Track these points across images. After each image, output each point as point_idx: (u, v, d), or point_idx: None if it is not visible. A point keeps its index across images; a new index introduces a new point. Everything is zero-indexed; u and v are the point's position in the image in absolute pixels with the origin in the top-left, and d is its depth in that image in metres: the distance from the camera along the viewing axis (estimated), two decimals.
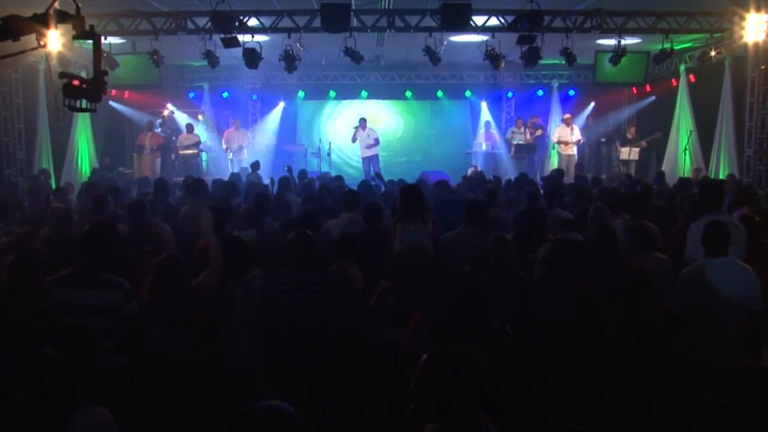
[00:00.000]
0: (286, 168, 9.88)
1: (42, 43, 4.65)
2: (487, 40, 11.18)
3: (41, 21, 4.53)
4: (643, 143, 14.79)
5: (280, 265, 4.52)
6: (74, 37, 5.09)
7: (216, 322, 4.14)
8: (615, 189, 7.68)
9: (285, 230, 5.70)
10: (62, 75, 4.74)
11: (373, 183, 10.11)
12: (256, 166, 12.32)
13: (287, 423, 2.00)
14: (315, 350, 3.99)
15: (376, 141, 15.20)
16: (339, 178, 10.64)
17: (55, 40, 10.55)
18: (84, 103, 4.78)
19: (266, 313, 4.22)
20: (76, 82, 4.73)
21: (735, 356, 3.92)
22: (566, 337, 3.99)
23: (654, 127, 15.34)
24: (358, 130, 15.17)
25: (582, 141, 15.17)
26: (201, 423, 3.55)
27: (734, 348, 3.98)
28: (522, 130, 15.63)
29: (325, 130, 17.93)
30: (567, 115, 15.43)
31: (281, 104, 17.45)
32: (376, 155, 15.24)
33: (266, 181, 10.97)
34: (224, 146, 15.57)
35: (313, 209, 6.45)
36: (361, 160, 15.61)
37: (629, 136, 15.16)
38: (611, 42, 11.82)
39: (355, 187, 8.52)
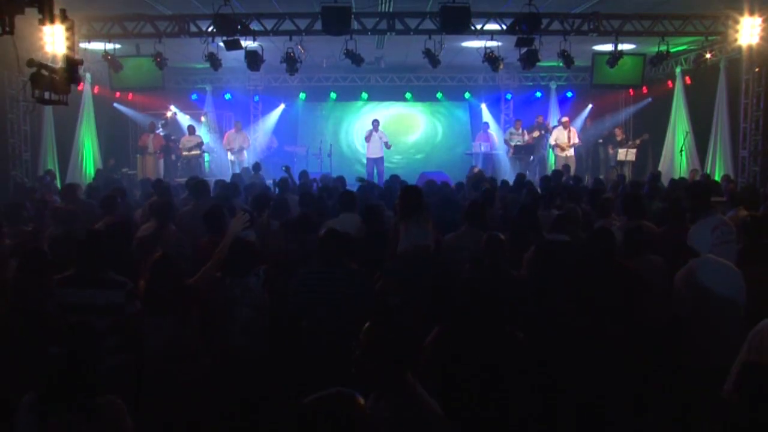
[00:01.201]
0: (284, 168, 10.01)
1: (8, 28, 4.34)
2: (486, 44, 11.35)
3: (4, 3, 4.26)
4: (637, 141, 14.97)
5: (289, 265, 4.64)
6: (41, 21, 4.68)
7: (212, 320, 4.24)
8: (598, 191, 7.78)
9: (284, 231, 5.85)
10: (30, 63, 4.43)
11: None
12: (257, 167, 12.46)
13: (354, 408, 2.07)
14: (341, 346, 4.10)
15: (386, 144, 15.36)
16: (340, 179, 10.75)
17: (60, 42, 10.73)
18: (54, 95, 4.50)
19: (292, 309, 4.31)
20: (44, 72, 4.44)
21: (732, 352, 4.03)
22: (558, 335, 4.11)
23: (651, 128, 15.49)
24: (372, 132, 15.34)
25: (578, 144, 15.29)
26: (197, 416, 3.67)
27: (732, 345, 4.03)
28: (520, 131, 15.74)
29: (350, 131, 18.22)
30: (565, 118, 15.53)
31: (281, 106, 17.61)
32: (382, 157, 15.38)
33: (269, 182, 11.12)
34: (225, 147, 15.74)
35: (311, 210, 6.59)
36: (366, 161, 15.78)
37: (618, 138, 15.34)
38: (608, 48, 11.98)
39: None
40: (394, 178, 9.97)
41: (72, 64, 4.62)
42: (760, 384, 2.49)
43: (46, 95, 4.49)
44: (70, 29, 4.74)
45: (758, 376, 2.52)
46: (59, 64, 11.07)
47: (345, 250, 4.53)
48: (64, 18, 4.70)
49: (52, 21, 4.67)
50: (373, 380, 2.50)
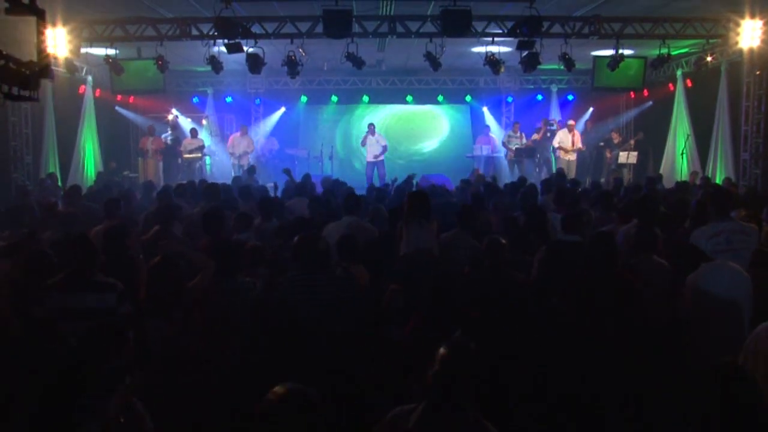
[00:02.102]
0: (284, 171, 10.02)
1: None
2: (487, 49, 11.36)
3: None
4: (632, 142, 14.99)
5: (287, 267, 4.64)
6: (8, 11, 4.35)
7: (211, 321, 4.26)
8: (608, 194, 7.77)
9: (280, 235, 5.86)
10: None
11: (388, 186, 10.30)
12: (251, 171, 12.47)
13: (309, 404, 2.18)
14: (323, 351, 4.11)
15: (384, 148, 15.36)
16: (338, 182, 10.76)
17: (62, 46, 10.77)
18: (23, 91, 4.24)
19: (272, 314, 4.33)
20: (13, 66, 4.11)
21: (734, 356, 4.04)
22: (557, 335, 4.11)
23: (652, 131, 15.49)
24: (367, 135, 15.34)
25: (582, 149, 15.27)
26: (197, 417, 3.67)
27: (734, 348, 4.05)
28: (518, 134, 15.75)
29: (351, 134, 18.22)
30: (571, 122, 15.49)
31: (281, 109, 17.63)
32: (382, 161, 15.40)
33: (270, 185, 11.12)
34: (229, 151, 15.72)
35: (313, 214, 6.60)
36: (366, 164, 15.79)
37: (615, 141, 15.33)
38: (609, 51, 11.98)
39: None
40: (408, 181, 10.00)
41: (44, 60, 4.35)
42: (728, 383, 2.49)
43: (15, 91, 4.23)
44: (42, 20, 4.35)
45: (727, 375, 2.52)
46: (62, 67, 11.19)
47: (332, 253, 4.52)
48: (34, 7, 4.37)
49: (20, 11, 4.36)
50: (441, 397, 2.51)
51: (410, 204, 5.63)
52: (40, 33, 4.34)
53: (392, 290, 4.56)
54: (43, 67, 4.30)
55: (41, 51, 4.28)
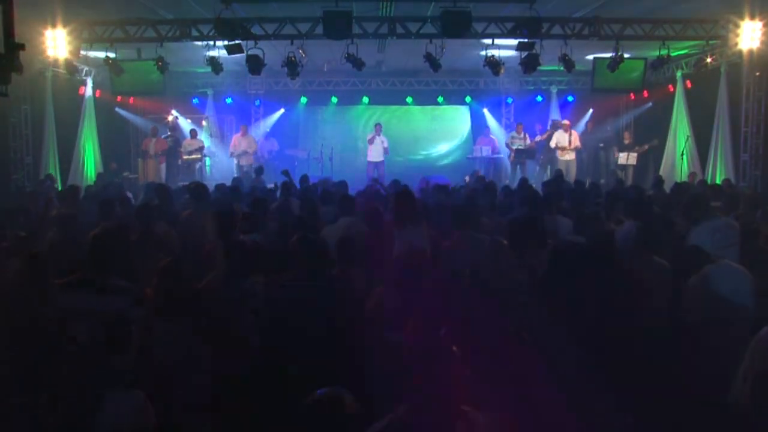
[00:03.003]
0: (283, 172, 10.01)
1: None
2: (488, 52, 11.37)
3: None
4: (645, 147, 14.97)
5: (283, 270, 4.63)
6: None
7: (218, 324, 4.27)
8: (616, 194, 7.77)
9: (280, 236, 5.85)
10: None
11: (378, 186, 10.26)
12: (259, 171, 12.47)
13: (344, 409, 2.24)
14: (322, 352, 4.10)
15: (386, 150, 15.39)
16: (342, 183, 10.73)
17: (62, 47, 10.78)
18: None
19: (272, 315, 4.34)
20: None
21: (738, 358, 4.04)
22: (558, 335, 4.11)
23: (651, 132, 15.48)
24: (374, 135, 15.39)
25: (579, 147, 15.26)
26: (198, 417, 3.68)
27: (740, 348, 4.08)
28: (522, 135, 15.76)
29: (350, 135, 18.19)
30: (566, 122, 15.55)
31: (281, 110, 17.62)
32: (383, 161, 15.43)
33: (270, 185, 11.10)
34: (231, 151, 15.67)
35: (310, 215, 6.59)
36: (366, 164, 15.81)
37: (626, 141, 15.32)
38: (609, 54, 12.00)
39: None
40: (396, 182, 9.97)
41: (11, 49, 3.94)
42: None
43: None
44: (9, 7, 3.95)
45: None
46: (61, 68, 11.17)
47: (329, 255, 4.52)
48: None
49: None
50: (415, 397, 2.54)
51: (398, 205, 5.56)
52: (7, 22, 3.94)
53: (387, 291, 4.55)
54: (11, 60, 3.93)
55: (10, 42, 3.89)
